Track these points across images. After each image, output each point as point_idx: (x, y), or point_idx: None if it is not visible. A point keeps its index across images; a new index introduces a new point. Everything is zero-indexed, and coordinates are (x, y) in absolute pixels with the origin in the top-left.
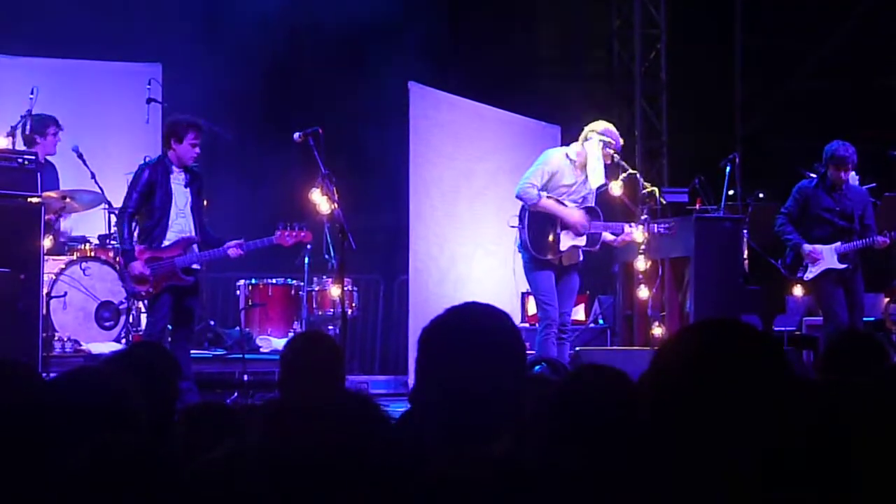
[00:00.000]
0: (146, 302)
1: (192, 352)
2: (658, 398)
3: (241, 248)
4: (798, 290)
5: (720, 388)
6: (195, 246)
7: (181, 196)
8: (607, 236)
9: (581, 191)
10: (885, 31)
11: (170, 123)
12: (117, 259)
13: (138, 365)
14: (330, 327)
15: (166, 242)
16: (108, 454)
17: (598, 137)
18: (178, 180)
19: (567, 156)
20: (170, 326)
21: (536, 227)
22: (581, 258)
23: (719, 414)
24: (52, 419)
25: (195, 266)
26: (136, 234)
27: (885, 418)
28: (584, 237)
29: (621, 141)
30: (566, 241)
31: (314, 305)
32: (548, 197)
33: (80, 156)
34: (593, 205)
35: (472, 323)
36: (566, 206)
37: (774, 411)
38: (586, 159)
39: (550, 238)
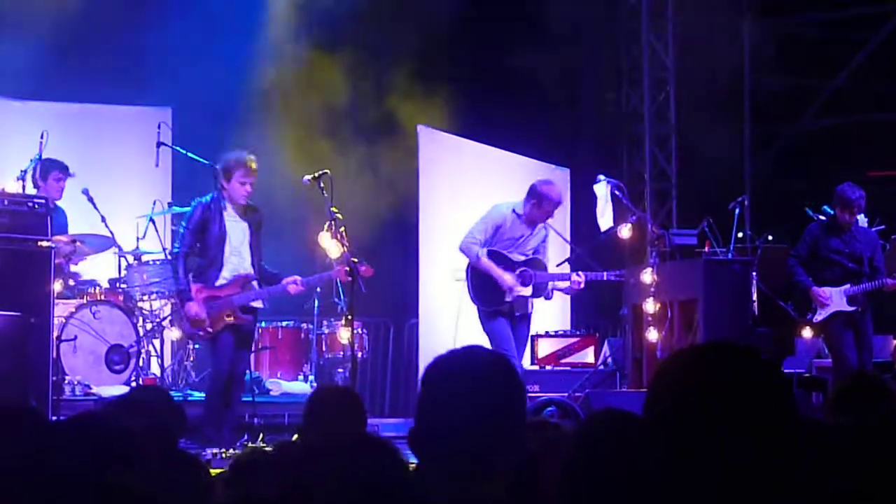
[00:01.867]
0: (207, 343)
1: (199, 394)
2: (658, 421)
3: (300, 283)
4: (807, 333)
5: (720, 411)
6: (255, 283)
7: (237, 234)
8: (559, 284)
9: (528, 243)
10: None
11: (222, 161)
12: (125, 302)
13: (140, 409)
14: (339, 370)
15: (221, 281)
16: (114, 496)
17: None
18: (232, 217)
19: (514, 210)
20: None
21: (479, 280)
22: (531, 308)
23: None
24: (58, 462)
25: (258, 304)
26: (190, 274)
27: (891, 460)
28: (529, 287)
29: (554, 201)
30: (509, 294)
31: (324, 348)
32: (489, 251)
33: (91, 199)
34: (542, 257)
35: (472, 366)
36: (510, 259)
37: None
38: (532, 214)
39: (494, 290)
